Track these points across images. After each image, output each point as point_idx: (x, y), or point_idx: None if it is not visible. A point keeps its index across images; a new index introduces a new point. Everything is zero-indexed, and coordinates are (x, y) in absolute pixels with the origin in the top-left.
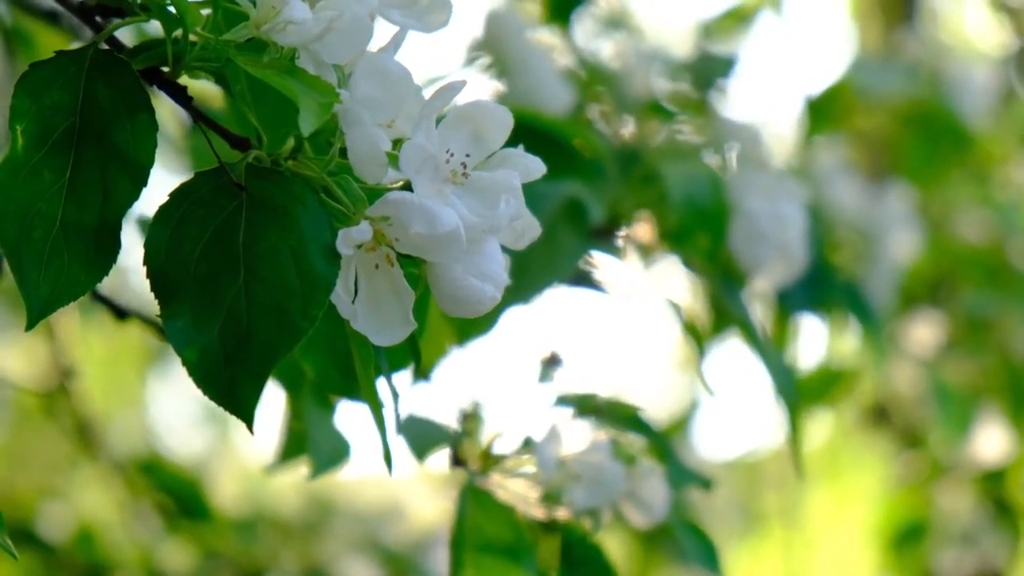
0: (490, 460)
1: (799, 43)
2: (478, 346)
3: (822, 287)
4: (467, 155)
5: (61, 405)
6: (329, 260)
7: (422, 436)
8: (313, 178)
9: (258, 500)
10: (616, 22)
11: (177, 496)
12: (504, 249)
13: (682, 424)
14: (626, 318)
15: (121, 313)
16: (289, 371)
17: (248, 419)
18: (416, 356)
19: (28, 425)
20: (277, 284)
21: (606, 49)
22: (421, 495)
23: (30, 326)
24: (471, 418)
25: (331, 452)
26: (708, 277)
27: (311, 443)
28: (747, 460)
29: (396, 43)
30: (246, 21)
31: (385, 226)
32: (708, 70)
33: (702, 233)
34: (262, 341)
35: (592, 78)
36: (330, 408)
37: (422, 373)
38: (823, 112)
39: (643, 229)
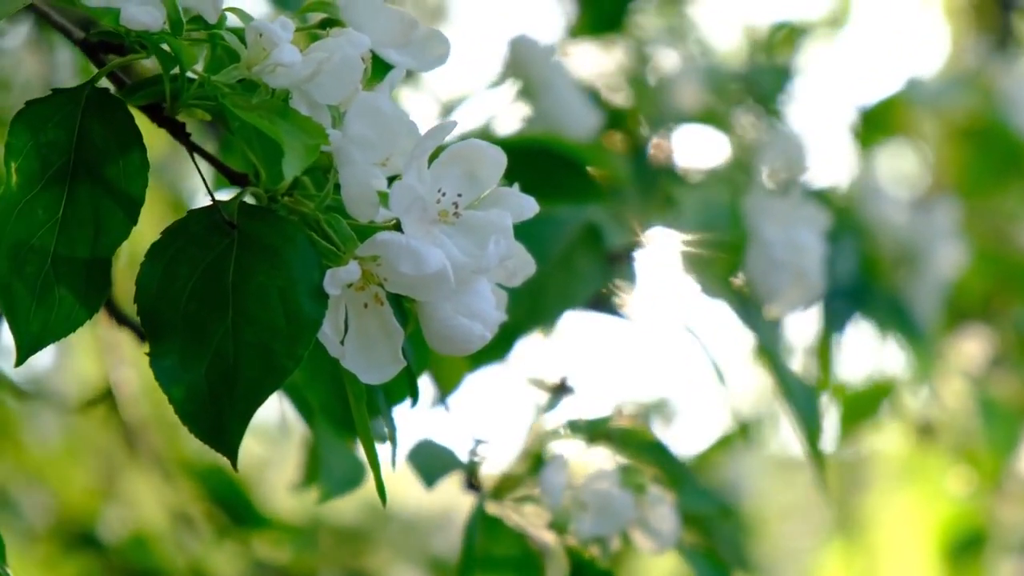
0: (503, 485)
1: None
2: (494, 371)
3: (867, 302)
4: (459, 194)
5: (109, 411)
6: (316, 300)
7: (433, 461)
8: (308, 215)
9: (315, 507)
10: (670, 32)
11: (227, 503)
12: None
13: (744, 432)
14: (648, 342)
15: (143, 335)
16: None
17: (232, 456)
18: (414, 392)
19: (91, 425)
20: (264, 324)
21: (653, 61)
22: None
23: (19, 362)
24: (484, 443)
25: (344, 476)
26: (725, 302)
27: (324, 467)
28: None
29: (391, 82)
30: (238, 62)
31: (374, 266)
32: (763, 82)
33: (718, 259)
34: (248, 381)
35: (637, 92)
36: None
37: (440, 399)
38: (877, 124)
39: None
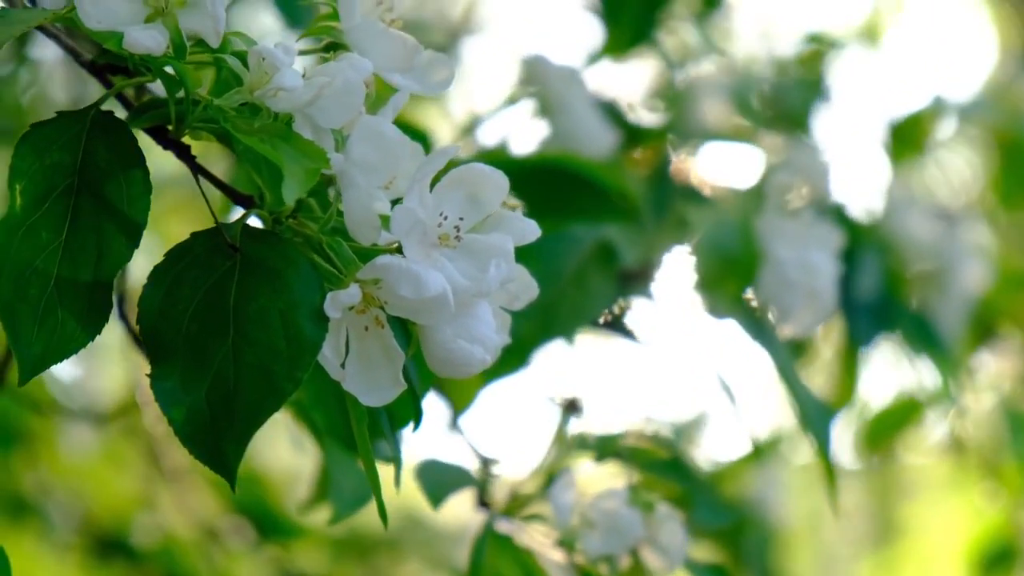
0: (513, 504)
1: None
2: (507, 388)
3: (892, 319)
4: (461, 218)
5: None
6: (317, 323)
7: (441, 480)
8: (312, 237)
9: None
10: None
11: (255, 515)
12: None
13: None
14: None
15: None
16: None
17: (231, 478)
18: (418, 414)
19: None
20: (265, 346)
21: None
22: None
23: (21, 383)
24: (496, 461)
25: (353, 494)
26: (737, 321)
27: (333, 486)
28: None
29: (394, 106)
30: (240, 86)
31: (375, 289)
32: (793, 98)
33: (729, 279)
34: (247, 403)
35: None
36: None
37: (453, 417)
38: (906, 139)
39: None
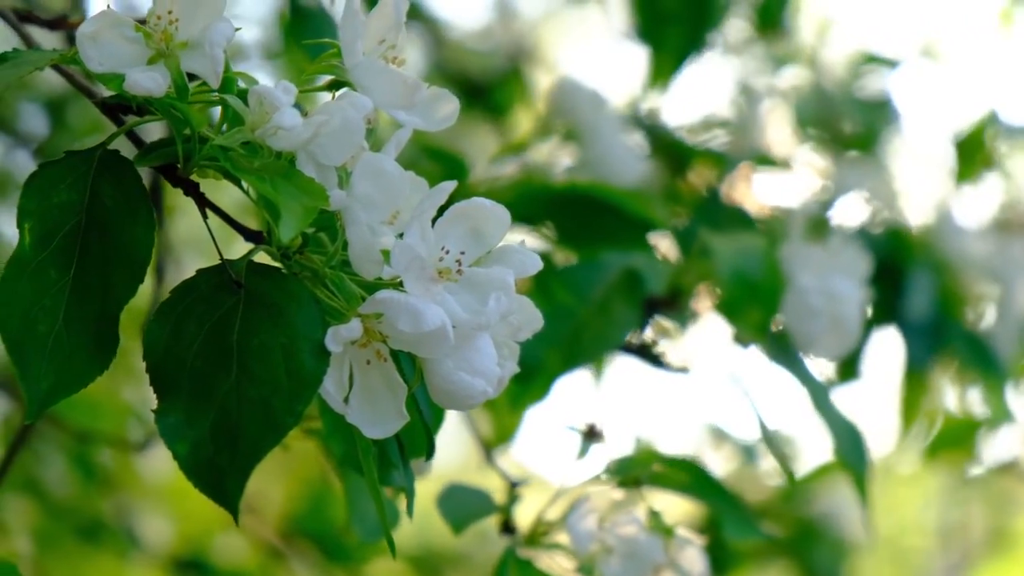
0: (537, 530)
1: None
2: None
3: (947, 338)
4: (462, 252)
5: None
6: (318, 357)
7: (463, 506)
8: (319, 272)
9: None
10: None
11: (321, 536)
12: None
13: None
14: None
15: None
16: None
17: (234, 510)
18: (431, 447)
19: None
20: (266, 381)
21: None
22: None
23: (30, 419)
24: (521, 485)
25: (376, 521)
26: (760, 349)
27: (355, 512)
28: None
29: (397, 142)
30: (242, 125)
31: (377, 323)
32: (854, 118)
33: (753, 307)
34: (249, 437)
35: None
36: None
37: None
38: (962, 156)
39: (702, 302)
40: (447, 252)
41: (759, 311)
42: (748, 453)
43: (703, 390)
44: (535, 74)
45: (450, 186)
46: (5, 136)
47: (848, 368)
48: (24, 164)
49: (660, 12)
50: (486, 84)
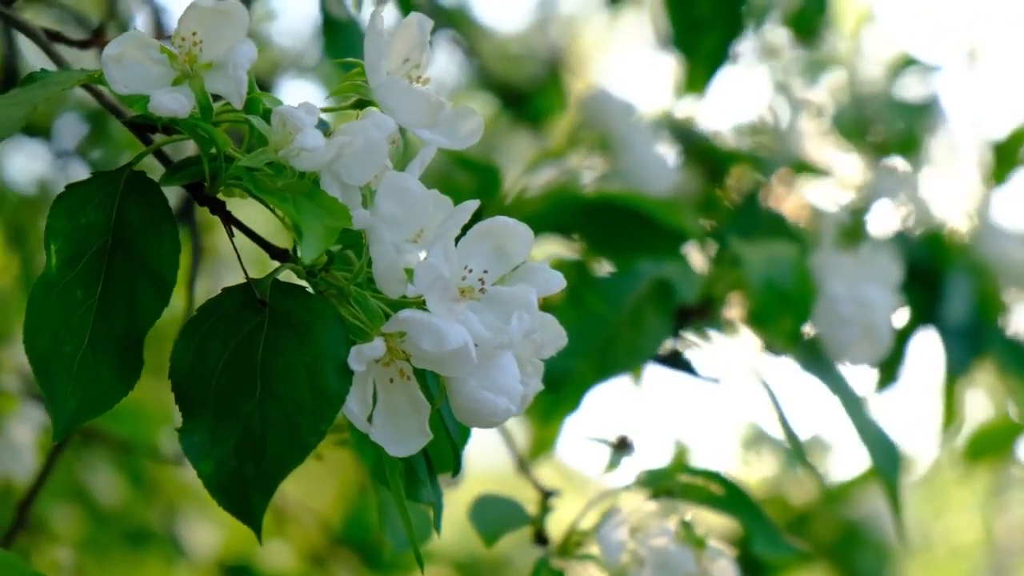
0: (569, 541)
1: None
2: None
3: (985, 342)
4: (485, 271)
5: None
6: (342, 376)
7: (496, 518)
8: (344, 290)
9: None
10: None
11: (363, 545)
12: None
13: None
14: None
15: None
16: None
17: (257, 528)
18: (457, 463)
19: None
20: (291, 400)
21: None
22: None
23: (56, 438)
24: (554, 495)
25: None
26: (792, 357)
27: (388, 523)
28: None
29: (422, 160)
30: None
31: (400, 342)
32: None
33: (784, 315)
34: (273, 456)
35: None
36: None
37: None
38: (1003, 158)
39: (734, 310)
40: (470, 271)
41: (790, 320)
42: (791, 456)
43: (739, 397)
44: (572, 81)
45: (473, 205)
46: (48, 147)
47: (887, 373)
48: (68, 175)
49: (693, 19)
50: (526, 91)
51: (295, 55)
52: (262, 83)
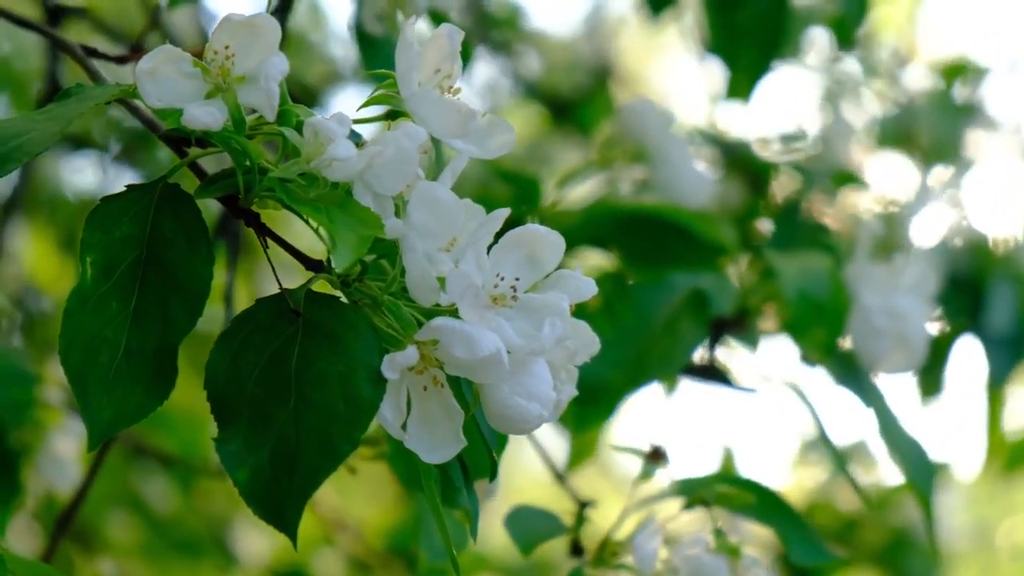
0: (605, 551)
1: None
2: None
3: None
4: (517, 278)
5: None
6: (375, 384)
7: (532, 527)
8: (378, 299)
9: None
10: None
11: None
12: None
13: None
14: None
15: None
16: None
17: (292, 535)
18: (494, 470)
19: None
20: (324, 408)
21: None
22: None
23: (91, 448)
24: (590, 506)
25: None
26: (826, 369)
27: (424, 534)
28: None
29: (454, 170)
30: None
31: (433, 350)
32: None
33: (818, 327)
34: (307, 464)
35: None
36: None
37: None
38: None
39: (770, 321)
40: (502, 279)
41: (825, 331)
42: (839, 461)
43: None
44: (618, 90)
45: (504, 213)
46: (101, 156)
47: (931, 382)
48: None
49: (733, 29)
50: (574, 100)
51: (346, 64)
52: (311, 93)
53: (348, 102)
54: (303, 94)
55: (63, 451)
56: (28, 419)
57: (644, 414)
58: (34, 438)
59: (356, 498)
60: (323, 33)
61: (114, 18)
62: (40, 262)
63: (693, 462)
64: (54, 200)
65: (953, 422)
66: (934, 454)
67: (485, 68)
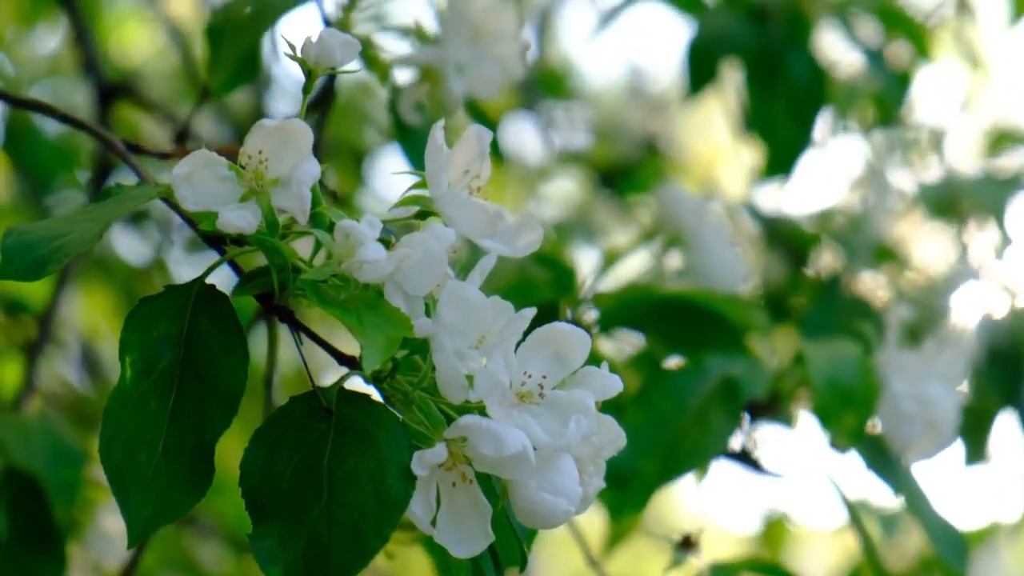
0: None
1: None
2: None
3: None
4: (544, 376)
5: None
6: (405, 481)
7: None
8: (409, 396)
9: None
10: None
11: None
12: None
13: None
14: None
15: None
16: None
17: None
18: (523, 560)
19: None
20: (355, 506)
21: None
22: None
23: (131, 545)
24: None
25: None
26: (857, 454)
27: None
28: None
29: (482, 270)
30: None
31: (462, 447)
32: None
33: (847, 413)
34: (339, 560)
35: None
36: None
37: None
38: None
39: (802, 404)
40: (529, 376)
41: (854, 417)
42: (888, 524)
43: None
44: (663, 162)
45: (530, 313)
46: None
47: (975, 451)
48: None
49: (773, 106)
50: (620, 168)
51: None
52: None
53: (396, 161)
54: (351, 157)
55: (110, 527)
56: (76, 498)
57: (678, 495)
58: (83, 515)
59: None
60: (372, 100)
61: (164, 87)
62: (95, 323)
63: (726, 544)
64: (107, 262)
65: (1001, 485)
66: (976, 522)
67: (532, 133)
